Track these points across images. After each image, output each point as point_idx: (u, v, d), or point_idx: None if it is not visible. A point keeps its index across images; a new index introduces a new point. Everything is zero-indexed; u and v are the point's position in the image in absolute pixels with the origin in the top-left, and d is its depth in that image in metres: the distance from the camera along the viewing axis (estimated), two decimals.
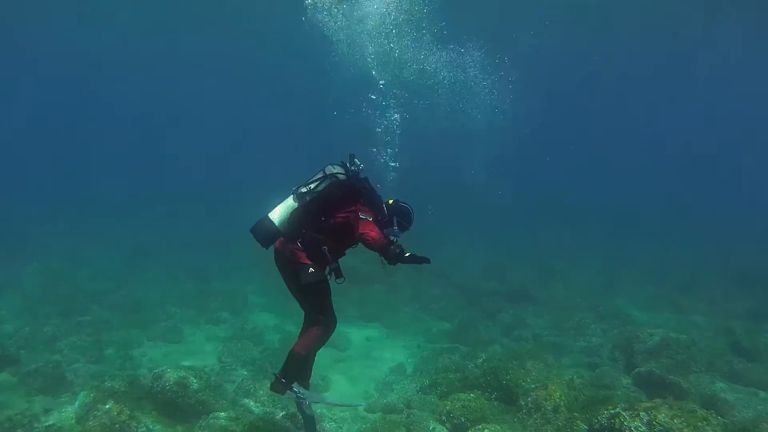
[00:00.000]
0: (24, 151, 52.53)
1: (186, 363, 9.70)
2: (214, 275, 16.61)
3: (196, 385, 7.81)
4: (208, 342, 11.68)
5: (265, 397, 8.68)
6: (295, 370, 5.41)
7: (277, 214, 5.19)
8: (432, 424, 7.46)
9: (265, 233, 5.20)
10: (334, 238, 5.10)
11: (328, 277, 5.26)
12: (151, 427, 7.13)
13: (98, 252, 18.88)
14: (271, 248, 5.32)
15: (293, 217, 5.13)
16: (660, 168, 59.32)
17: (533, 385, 8.23)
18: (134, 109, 57.31)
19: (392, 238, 5.08)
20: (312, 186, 5.17)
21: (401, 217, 5.25)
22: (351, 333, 12.25)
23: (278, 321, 13.11)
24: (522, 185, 43.76)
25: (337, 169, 5.22)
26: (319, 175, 5.22)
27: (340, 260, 5.32)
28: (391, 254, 4.85)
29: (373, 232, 4.93)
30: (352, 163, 5.24)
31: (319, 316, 5.26)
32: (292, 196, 5.22)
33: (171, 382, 7.66)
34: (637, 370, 9.63)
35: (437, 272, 14.94)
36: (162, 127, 63.14)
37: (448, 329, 12.74)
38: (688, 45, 30.52)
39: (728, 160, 60.61)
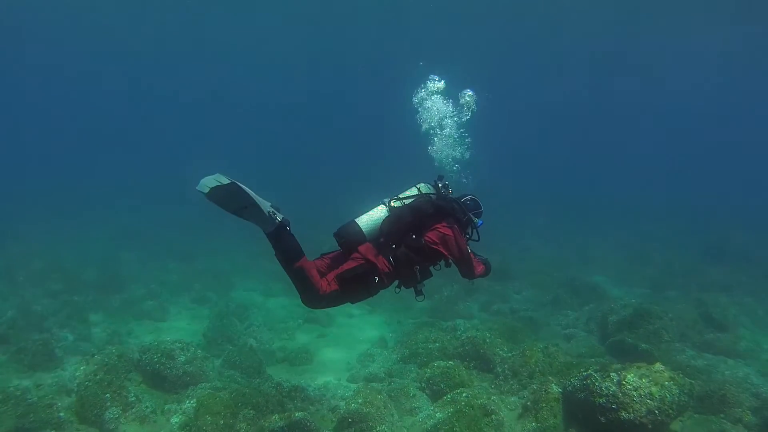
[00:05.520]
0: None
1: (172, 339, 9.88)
2: (199, 256, 16.78)
3: (183, 357, 8.05)
4: (194, 320, 11.87)
5: (251, 369, 8.95)
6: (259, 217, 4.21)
7: (365, 220, 4.99)
8: (413, 391, 7.75)
9: (350, 237, 4.90)
10: (425, 257, 4.94)
11: (397, 290, 5.09)
12: (140, 396, 7.35)
13: (84, 233, 18.92)
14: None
15: (384, 224, 4.93)
16: (642, 159, 60.14)
17: (510, 354, 8.57)
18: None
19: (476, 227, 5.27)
20: (405, 201, 5.06)
21: (475, 208, 5.28)
22: (333, 310, 12.47)
23: (262, 299, 13.33)
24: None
25: (430, 189, 5.18)
26: (413, 192, 5.14)
27: None
28: (475, 275, 5.19)
29: (463, 252, 4.98)
30: (442, 185, 5.20)
31: (334, 286, 4.64)
32: (383, 206, 5.03)
33: (159, 355, 7.90)
34: (610, 339, 9.99)
35: None
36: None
37: (428, 306, 12.98)
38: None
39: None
